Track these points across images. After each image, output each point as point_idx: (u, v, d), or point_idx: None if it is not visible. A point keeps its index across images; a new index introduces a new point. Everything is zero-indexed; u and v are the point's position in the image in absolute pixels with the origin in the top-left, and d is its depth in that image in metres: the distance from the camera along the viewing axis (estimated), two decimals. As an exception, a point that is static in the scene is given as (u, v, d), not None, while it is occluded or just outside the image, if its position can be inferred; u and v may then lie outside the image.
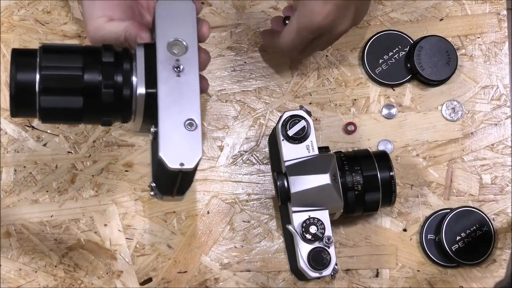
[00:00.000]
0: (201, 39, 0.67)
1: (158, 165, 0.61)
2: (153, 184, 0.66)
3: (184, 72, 0.63)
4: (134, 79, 0.62)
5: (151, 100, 0.62)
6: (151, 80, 0.62)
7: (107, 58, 0.63)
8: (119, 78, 0.62)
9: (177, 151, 0.60)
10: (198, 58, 0.64)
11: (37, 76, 0.61)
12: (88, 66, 0.62)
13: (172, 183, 0.63)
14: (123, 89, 0.62)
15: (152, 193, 0.66)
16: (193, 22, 0.65)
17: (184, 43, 0.64)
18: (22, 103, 0.61)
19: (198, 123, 0.61)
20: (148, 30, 0.67)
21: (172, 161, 0.60)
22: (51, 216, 0.83)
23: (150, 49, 0.64)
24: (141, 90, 0.62)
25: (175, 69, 0.63)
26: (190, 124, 0.61)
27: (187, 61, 0.63)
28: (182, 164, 0.60)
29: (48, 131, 0.85)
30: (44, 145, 0.84)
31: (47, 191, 0.83)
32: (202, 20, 0.67)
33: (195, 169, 0.61)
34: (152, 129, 0.62)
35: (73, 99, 0.62)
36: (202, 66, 0.69)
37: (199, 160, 0.61)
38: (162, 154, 0.60)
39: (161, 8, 0.65)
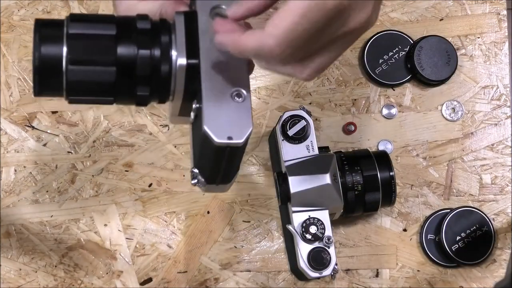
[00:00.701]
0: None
1: (202, 142, 0.55)
2: (196, 170, 0.59)
3: None
4: (173, 52, 0.55)
5: (193, 73, 0.55)
6: (192, 50, 0.55)
7: (143, 25, 0.55)
8: (157, 52, 0.55)
9: (224, 123, 0.53)
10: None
11: (64, 47, 0.53)
12: (121, 34, 0.54)
13: (218, 164, 0.57)
14: (161, 64, 0.55)
15: (193, 181, 0.59)
16: None
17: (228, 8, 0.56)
18: (47, 79, 0.54)
19: (247, 95, 0.55)
20: (186, 6, 0.59)
21: (218, 135, 0.53)
22: (51, 216, 0.83)
23: (191, 17, 0.56)
24: (181, 61, 0.54)
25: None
26: (238, 95, 0.54)
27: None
28: (230, 138, 0.53)
29: (48, 131, 0.85)
30: (44, 145, 0.84)
31: (47, 191, 0.83)
32: None
33: (244, 145, 0.54)
34: (194, 105, 0.55)
35: (105, 70, 0.54)
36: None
37: (250, 134, 0.54)
38: (207, 127, 0.53)
39: None
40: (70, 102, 0.56)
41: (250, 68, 0.58)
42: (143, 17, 0.56)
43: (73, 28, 0.54)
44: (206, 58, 0.55)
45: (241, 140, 0.53)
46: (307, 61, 0.53)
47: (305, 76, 0.54)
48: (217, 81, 0.55)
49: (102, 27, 0.54)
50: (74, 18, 0.54)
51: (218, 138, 0.53)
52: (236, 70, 0.55)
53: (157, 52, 0.55)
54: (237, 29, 0.53)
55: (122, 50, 0.54)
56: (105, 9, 0.87)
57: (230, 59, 0.55)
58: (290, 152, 0.77)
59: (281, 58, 0.51)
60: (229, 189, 0.61)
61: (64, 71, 0.53)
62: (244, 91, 0.55)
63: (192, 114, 0.56)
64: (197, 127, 0.56)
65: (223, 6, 0.55)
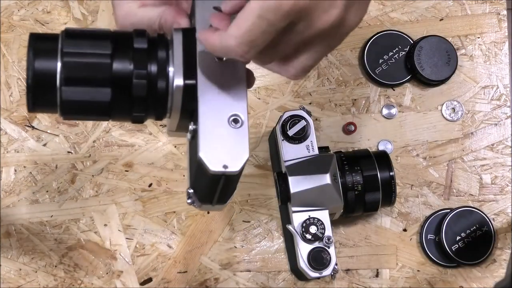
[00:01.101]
0: None
1: (197, 167, 0.54)
2: (191, 191, 0.58)
3: (228, 60, 0.54)
4: (170, 69, 0.54)
5: (190, 93, 0.54)
6: (190, 70, 0.54)
7: (139, 44, 0.54)
8: (153, 68, 0.53)
9: (219, 151, 0.52)
10: None
11: (59, 64, 0.52)
12: (117, 53, 0.53)
13: (213, 189, 0.56)
14: (158, 81, 0.54)
15: (189, 201, 0.59)
16: None
17: None
18: (40, 96, 0.53)
19: (245, 120, 0.53)
20: (187, 16, 0.57)
21: (214, 163, 0.52)
22: (51, 216, 0.83)
23: (189, 35, 0.55)
24: (178, 81, 0.53)
25: (218, 57, 0.54)
26: (235, 121, 0.53)
27: None
28: (225, 167, 0.52)
29: (48, 131, 0.85)
30: (44, 145, 0.84)
31: (47, 191, 0.83)
32: None
33: (240, 173, 0.53)
34: (191, 127, 0.54)
35: (100, 90, 0.53)
36: None
37: (245, 162, 0.53)
38: (203, 154, 0.52)
39: None
40: (65, 119, 0.55)
41: (250, 82, 0.57)
42: (140, 33, 0.55)
43: (67, 46, 0.53)
44: (204, 78, 0.54)
45: (237, 169, 0.52)
46: (289, 61, 0.54)
47: (290, 75, 0.55)
48: (214, 104, 0.53)
49: (97, 45, 0.53)
50: (69, 34, 0.53)
51: (213, 167, 0.52)
52: (234, 92, 0.54)
53: (153, 68, 0.54)
54: (214, 28, 0.52)
55: (117, 69, 0.53)
56: (105, 9, 0.87)
57: (229, 79, 0.54)
58: (290, 152, 0.77)
59: (246, 58, 0.51)
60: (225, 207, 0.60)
61: (58, 90, 0.52)
62: (241, 116, 0.53)
63: (188, 135, 0.55)
64: (193, 147, 0.55)
65: None
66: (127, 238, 0.83)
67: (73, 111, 0.54)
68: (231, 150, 0.52)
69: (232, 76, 0.54)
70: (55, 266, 0.82)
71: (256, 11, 0.48)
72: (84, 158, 0.84)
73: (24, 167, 0.84)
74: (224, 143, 0.53)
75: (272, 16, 0.48)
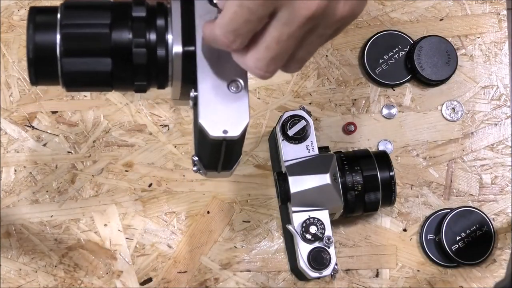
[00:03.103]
0: None
1: (199, 134, 0.54)
2: (195, 158, 0.58)
3: None
4: (169, 36, 0.54)
5: (190, 60, 0.54)
6: (189, 37, 0.54)
7: (138, 13, 0.54)
8: (153, 36, 0.53)
9: (219, 116, 0.53)
10: None
11: (58, 36, 0.52)
12: (116, 22, 0.53)
13: (216, 154, 0.56)
14: (157, 48, 0.54)
15: (194, 168, 0.59)
16: None
17: None
18: (42, 69, 0.53)
19: (244, 85, 0.53)
20: None
21: (214, 129, 0.52)
22: (51, 216, 0.83)
23: (188, 1, 0.55)
24: (177, 48, 0.53)
25: None
26: (234, 86, 0.53)
27: None
28: (225, 132, 0.52)
29: (48, 131, 0.85)
30: (44, 145, 0.84)
31: (47, 191, 0.83)
32: None
33: (241, 138, 0.54)
34: (192, 94, 0.54)
35: (100, 60, 0.53)
36: None
37: (246, 127, 0.53)
38: (202, 120, 0.52)
39: None
40: (68, 91, 0.55)
41: None
42: (139, 2, 0.55)
43: (65, 18, 0.53)
44: (203, 45, 0.53)
45: (237, 134, 0.53)
46: (257, 45, 0.53)
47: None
48: (213, 70, 0.53)
49: (96, 16, 0.53)
50: (68, 6, 0.53)
51: (213, 133, 0.52)
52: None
53: (153, 36, 0.54)
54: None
55: (116, 38, 0.53)
56: (105, 9, 0.87)
57: None
58: (290, 152, 0.77)
59: (233, 47, 0.51)
60: (232, 174, 0.60)
61: (58, 61, 0.53)
62: (241, 81, 0.54)
63: (190, 102, 0.55)
64: (195, 115, 0.55)
65: None
66: (127, 238, 0.83)
67: (75, 82, 0.55)
68: (231, 115, 0.53)
69: None
70: (55, 266, 0.82)
71: (237, 0, 0.48)
72: (84, 158, 0.84)
73: (24, 167, 0.84)
74: (224, 109, 0.53)
75: (252, 4, 0.48)
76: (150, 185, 0.84)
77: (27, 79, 0.84)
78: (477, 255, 0.83)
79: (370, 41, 0.87)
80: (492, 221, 0.84)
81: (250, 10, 0.48)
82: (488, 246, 0.83)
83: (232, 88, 0.53)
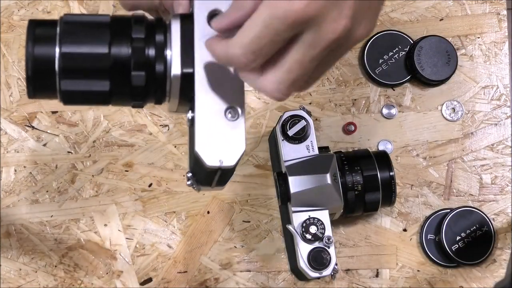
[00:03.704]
0: None
1: (195, 158, 0.55)
2: (190, 175, 0.59)
3: None
4: (168, 52, 0.54)
5: (188, 81, 0.54)
6: (187, 58, 0.54)
7: (137, 33, 0.53)
8: (151, 52, 0.54)
9: (215, 145, 0.53)
10: None
11: (57, 56, 0.52)
12: (115, 42, 0.53)
13: (210, 177, 0.57)
14: (156, 67, 0.54)
15: (188, 182, 0.59)
16: None
17: None
18: (40, 85, 0.54)
19: (241, 112, 0.53)
20: None
21: (210, 158, 0.53)
22: (51, 216, 0.83)
23: (187, 21, 0.54)
24: (176, 70, 0.53)
25: None
26: (231, 113, 0.53)
27: None
28: (221, 162, 0.53)
29: (48, 131, 0.85)
30: (44, 145, 0.84)
31: (47, 191, 0.83)
32: None
33: (236, 164, 0.54)
34: (189, 115, 0.54)
35: (98, 81, 0.53)
36: None
37: (242, 155, 0.54)
38: (199, 149, 0.53)
39: None
40: (66, 105, 0.56)
41: None
42: (138, 20, 0.54)
43: (65, 36, 0.53)
44: (202, 68, 0.54)
45: (233, 163, 0.53)
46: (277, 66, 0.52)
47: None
48: (211, 94, 0.53)
49: (95, 35, 0.53)
50: (68, 23, 0.53)
51: (209, 162, 0.53)
52: (231, 83, 0.54)
53: (151, 52, 0.54)
54: (219, 36, 0.52)
55: (116, 59, 0.53)
56: (105, 9, 0.87)
57: (227, 69, 0.53)
58: (290, 152, 0.77)
59: (250, 67, 0.50)
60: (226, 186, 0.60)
61: (57, 80, 0.53)
62: (238, 109, 0.54)
63: (187, 122, 0.55)
64: (191, 134, 0.56)
65: (223, 10, 0.54)
66: (127, 238, 0.83)
67: (73, 100, 0.55)
68: (227, 144, 0.53)
69: (230, 67, 0.53)
70: (55, 266, 0.82)
71: (263, 20, 0.47)
72: (84, 158, 0.84)
73: (24, 167, 0.84)
74: (220, 137, 0.53)
75: (280, 25, 0.47)
76: (150, 185, 0.84)
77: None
78: (477, 255, 0.82)
79: (370, 41, 0.87)
80: (492, 221, 0.84)
81: (277, 32, 0.47)
82: (488, 246, 0.83)
83: (229, 115, 0.53)
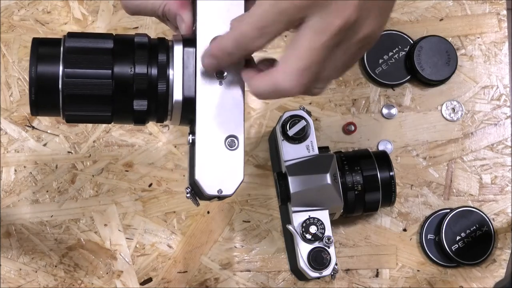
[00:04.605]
0: None
1: (194, 184, 0.56)
2: (189, 189, 0.59)
3: (228, 78, 0.55)
4: (170, 76, 0.55)
5: (189, 106, 0.55)
6: (189, 84, 0.55)
7: (140, 60, 0.55)
8: (153, 77, 0.55)
9: (215, 174, 0.55)
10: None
11: (60, 83, 0.53)
12: (118, 69, 0.54)
13: (209, 199, 0.58)
14: (158, 91, 0.55)
15: (188, 195, 0.59)
16: (241, 12, 0.55)
17: None
18: (44, 109, 0.55)
19: (241, 142, 0.55)
20: (190, 8, 0.57)
21: (209, 187, 0.55)
22: (51, 216, 0.83)
23: (189, 46, 0.55)
24: (177, 95, 0.55)
25: (218, 74, 0.55)
26: (231, 142, 0.55)
27: (232, 64, 0.54)
28: (220, 191, 0.55)
29: (48, 131, 0.85)
30: (44, 145, 0.84)
31: (47, 191, 0.83)
32: (253, 2, 0.55)
33: (234, 192, 0.56)
34: (190, 138, 0.56)
35: (101, 107, 0.55)
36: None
37: (240, 184, 0.55)
38: (199, 177, 0.55)
39: None
40: (68, 120, 0.56)
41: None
42: (142, 45, 0.55)
43: (68, 63, 0.54)
44: (203, 94, 0.55)
45: (231, 193, 0.55)
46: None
47: (314, 92, 0.55)
48: (212, 121, 0.55)
49: (98, 61, 0.54)
50: (71, 51, 0.54)
51: (208, 191, 0.55)
52: (232, 112, 0.55)
53: (154, 71, 0.55)
54: (250, 70, 0.54)
55: (118, 84, 0.54)
56: (105, 9, 0.87)
57: (228, 98, 0.55)
58: (290, 152, 0.77)
59: (299, 94, 0.52)
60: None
61: (60, 103, 0.54)
62: (238, 138, 0.55)
63: (188, 143, 0.56)
64: (192, 154, 0.57)
65: None
66: (127, 238, 0.83)
67: (77, 121, 0.58)
68: (226, 173, 0.55)
69: (231, 95, 0.55)
70: (55, 266, 0.82)
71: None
72: (84, 158, 0.84)
73: (24, 167, 0.84)
74: (220, 166, 0.55)
75: (285, 4, 0.49)
76: (150, 185, 0.84)
77: (27, 79, 0.84)
78: (477, 255, 0.83)
79: (370, 41, 0.87)
80: (492, 221, 0.84)
81: (282, 10, 0.49)
82: (488, 246, 0.83)
83: (228, 144, 0.55)
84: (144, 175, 0.84)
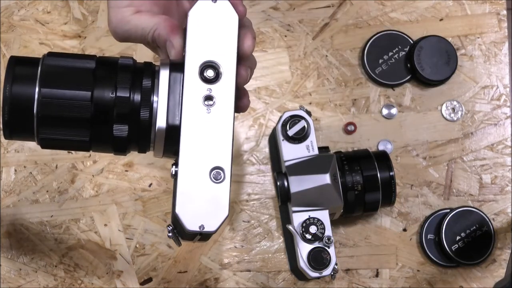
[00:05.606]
0: (242, 56, 0.55)
1: (175, 219, 0.52)
2: (170, 228, 0.54)
3: (216, 106, 0.52)
4: (154, 102, 0.52)
5: (173, 134, 0.52)
6: (174, 111, 0.52)
7: (122, 82, 0.51)
8: (136, 102, 0.51)
9: (197, 209, 0.50)
10: (235, 85, 0.52)
11: (35, 103, 0.51)
12: (98, 91, 0.51)
13: (191, 236, 0.54)
14: (140, 118, 0.52)
15: (169, 234, 0.55)
16: (234, 39, 0.53)
17: (220, 68, 0.52)
18: (18, 132, 0.52)
19: (227, 174, 0.51)
20: (181, 34, 0.55)
21: (190, 222, 0.50)
22: (51, 216, 0.83)
23: (177, 71, 0.53)
24: (161, 122, 0.51)
25: (206, 101, 0.52)
26: (216, 175, 0.51)
27: (221, 91, 0.51)
28: (202, 227, 0.50)
29: (48, 131, 0.85)
30: (44, 145, 0.84)
31: (47, 191, 0.83)
32: (245, 30, 0.55)
33: (217, 230, 0.51)
34: (173, 169, 0.52)
35: (78, 130, 0.52)
36: (242, 81, 0.56)
37: (224, 220, 0.51)
38: (179, 211, 0.50)
39: (195, 18, 0.53)
40: (42, 144, 0.53)
41: (242, 106, 0.56)
42: (125, 67, 0.53)
43: (45, 82, 0.51)
44: (188, 124, 0.51)
45: (214, 229, 0.51)
46: None
47: None
48: (197, 152, 0.51)
49: (78, 81, 0.51)
50: (47, 73, 0.51)
51: (189, 226, 0.50)
52: (219, 139, 0.52)
53: (137, 97, 0.52)
54: None
55: (98, 108, 0.51)
56: (105, 9, 0.87)
57: (215, 126, 0.52)
58: (290, 152, 0.77)
59: None
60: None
61: (35, 131, 0.51)
62: (224, 170, 0.51)
63: (171, 175, 0.53)
64: (175, 188, 0.53)
65: (217, 62, 0.52)
66: (127, 238, 0.83)
67: (51, 146, 0.54)
68: (209, 208, 0.50)
69: (219, 123, 0.52)
70: (55, 266, 0.82)
71: None
72: (84, 158, 0.84)
73: (24, 167, 0.84)
74: (203, 200, 0.51)
75: None
76: (150, 185, 0.84)
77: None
78: (477, 255, 0.83)
79: (370, 41, 0.87)
80: (492, 221, 0.84)
81: None
82: (488, 246, 0.83)
83: (213, 176, 0.51)
84: (144, 175, 0.84)
